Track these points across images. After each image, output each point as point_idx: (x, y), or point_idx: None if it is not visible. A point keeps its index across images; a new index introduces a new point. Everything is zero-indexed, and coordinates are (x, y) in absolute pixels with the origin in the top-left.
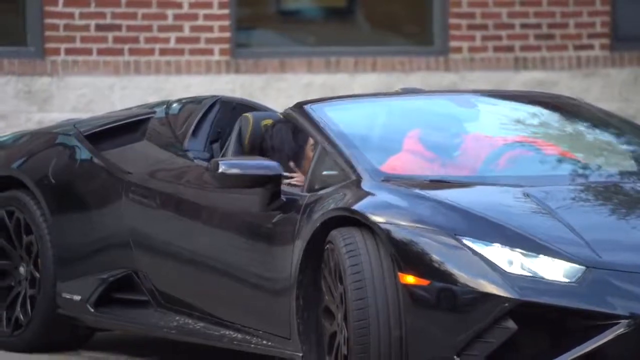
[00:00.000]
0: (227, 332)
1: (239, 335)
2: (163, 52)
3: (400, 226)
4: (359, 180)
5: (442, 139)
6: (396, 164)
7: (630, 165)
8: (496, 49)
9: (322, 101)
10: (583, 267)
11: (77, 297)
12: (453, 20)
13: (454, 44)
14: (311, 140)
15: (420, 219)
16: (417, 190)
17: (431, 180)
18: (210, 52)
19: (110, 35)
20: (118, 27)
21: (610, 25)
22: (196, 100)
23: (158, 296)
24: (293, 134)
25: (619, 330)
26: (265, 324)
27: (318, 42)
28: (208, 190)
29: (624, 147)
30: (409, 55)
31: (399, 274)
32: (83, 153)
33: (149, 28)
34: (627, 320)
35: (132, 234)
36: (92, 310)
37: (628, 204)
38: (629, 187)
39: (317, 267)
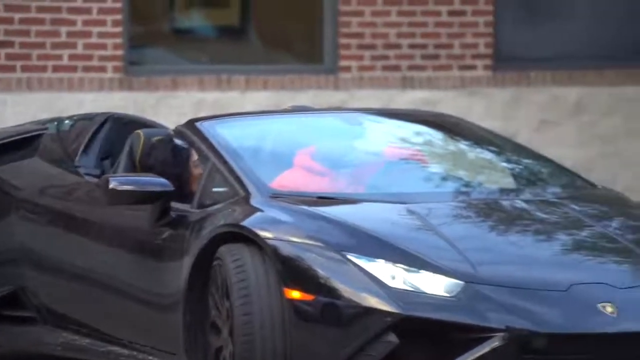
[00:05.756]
0: (113, 348)
1: (126, 351)
2: (56, 69)
3: (287, 242)
4: (247, 196)
5: (331, 156)
6: (285, 181)
7: (509, 182)
8: (384, 68)
9: (213, 118)
10: (462, 282)
11: None
12: (343, 40)
13: (343, 63)
14: (194, 157)
15: (307, 235)
16: (305, 207)
17: (319, 197)
18: (103, 69)
19: (2, 52)
20: (11, 44)
21: (492, 47)
22: (88, 117)
23: (45, 313)
24: (172, 152)
25: (494, 343)
26: (152, 340)
27: (210, 60)
28: (98, 207)
29: (504, 164)
30: (300, 73)
31: (285, 289)
32: None
33: (42, 45)
34: (502, 334)
35: (22, 250)
36: None
37: (506, 221)
38: (507, 204)
39: (205, 283)
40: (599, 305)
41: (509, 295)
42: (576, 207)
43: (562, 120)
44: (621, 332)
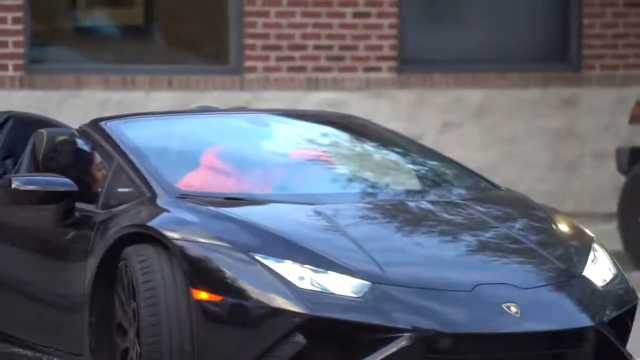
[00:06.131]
0: (17, 350)
1: (30, 353)
2: None
3: (194, 243)
4: (154, 197)
5: (237, 157)
6: (192, 181)
7: (414, 184)
8: (290, 69)
9: (118, 118)
10: (369, 283)
11: None
12: (248, 41)
13: (249, 63)
14: (97, 160)
15: (214, 236)
16: (212, 208)
17: (226, 198)
18: (4, 67)
19: None
20: None
21: (397, 49)
22: None
23: None
24: (76, 152)
25: (401, 343)
26: (57, 342)
27: (114, 59)
28: (1, 207)
29: (410, 166)
30: (205, 74)
31: (192, 290)
32: None
33: None
34: (409, 334)
35: None
36: None
37: (412, 222)
38: (413, 205)
39: (111, 284)
40: (503, 306)
41: (415, 296)
42: (481, 209)
43: (465, 122)
44: (524, 331)
